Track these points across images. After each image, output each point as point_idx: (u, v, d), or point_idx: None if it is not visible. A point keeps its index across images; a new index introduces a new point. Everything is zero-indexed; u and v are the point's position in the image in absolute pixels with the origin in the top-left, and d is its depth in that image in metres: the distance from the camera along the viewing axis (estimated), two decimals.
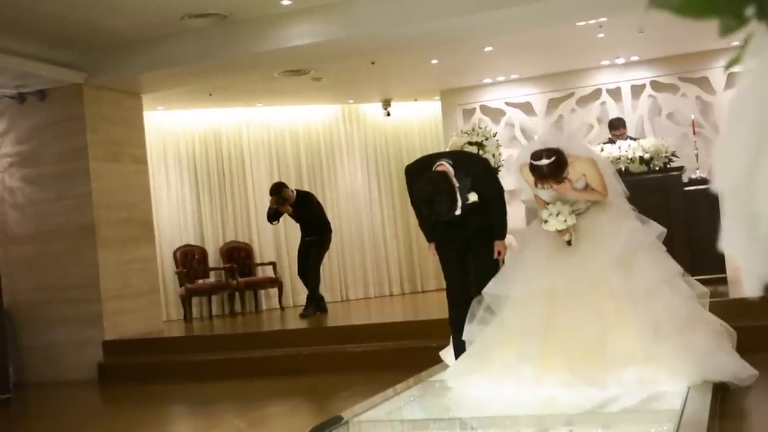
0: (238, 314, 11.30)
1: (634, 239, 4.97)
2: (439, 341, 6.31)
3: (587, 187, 5.06)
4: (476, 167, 5.48)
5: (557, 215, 4.95)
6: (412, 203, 5.64)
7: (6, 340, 8.25)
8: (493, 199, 5.41)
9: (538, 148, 5.00)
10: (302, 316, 9.65)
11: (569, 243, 5.03)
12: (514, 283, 5.07)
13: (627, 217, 5.13)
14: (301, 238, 9.98)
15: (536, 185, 5.05)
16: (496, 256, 5.48)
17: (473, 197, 5.22)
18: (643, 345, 4.66)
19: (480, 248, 5.49)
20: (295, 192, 9.91)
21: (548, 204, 5.08)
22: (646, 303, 4.77)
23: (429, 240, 5.73)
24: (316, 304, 9.84)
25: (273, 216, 9.85)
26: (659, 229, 5.10)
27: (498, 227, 5.48)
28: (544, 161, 4.88)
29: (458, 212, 5.19)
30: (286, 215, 9.90)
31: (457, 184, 5.12)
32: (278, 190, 9.75)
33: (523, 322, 4.93)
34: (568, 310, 4.85)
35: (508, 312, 5.03)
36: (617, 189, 5.29)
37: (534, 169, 4.94)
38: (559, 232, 5.00)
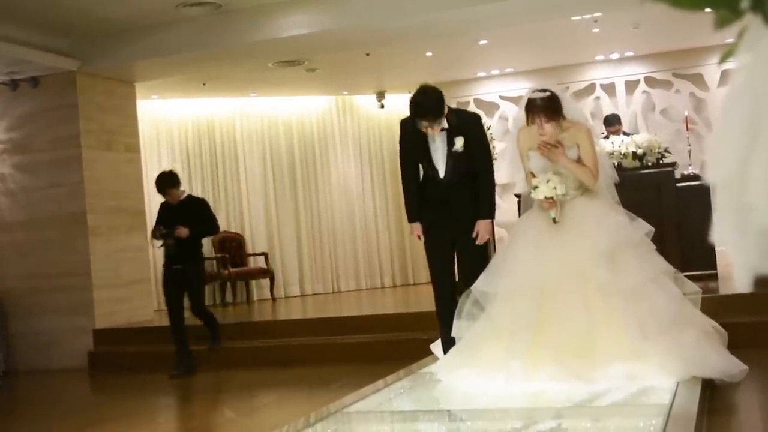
0: (230, 304, 11.28)
1: (621, 234, 4.93)
2: (429, 333, 6.31)
3: (579, 161, 5.02)
4: (470, 120, 5.55)
5: (548, 182, 4.92)
6: (401, 162, 5.69)
7: None
8: (482, 170, 5.41)
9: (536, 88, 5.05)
10: (173, 376, 7.46)
11: (554, 221, 4.99)
12: (502, 279, 5.03)
13: (615, 211, 5.10)
14: (166, 264, 7.61)
15: (528, 122, 5.01)
16: (479, 241, 5.39)
17: (459, 142, 5.28)
18: (630, 343, 4.64)
19: (467, 239, 5.40)
20: (184, 193, 7.71)
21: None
22: (632, 302, 4.74)
23: (411, 219, 5.55)
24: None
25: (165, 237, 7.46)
26: (647, 227, 5.04)
27: (483, 202, 5.40)
28: (539, 94, 4.91)
29: (442, 174, 5.29)
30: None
31: (446, 126, 5.25)
32: (174, 181, 7.51)
33: (512, 317, 4.89)
34: (557, 304, 4.82)
35: (497, 307, 4.99)
36: (610, 175, 5.27)
37: (529, 103, 4.96)
38: (547, 200, 4.95)
